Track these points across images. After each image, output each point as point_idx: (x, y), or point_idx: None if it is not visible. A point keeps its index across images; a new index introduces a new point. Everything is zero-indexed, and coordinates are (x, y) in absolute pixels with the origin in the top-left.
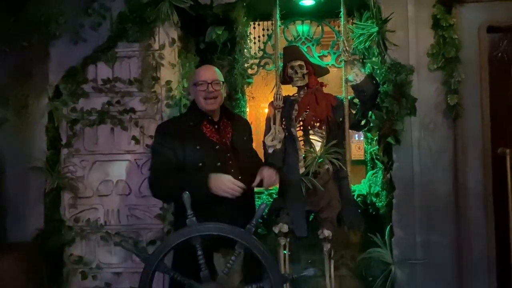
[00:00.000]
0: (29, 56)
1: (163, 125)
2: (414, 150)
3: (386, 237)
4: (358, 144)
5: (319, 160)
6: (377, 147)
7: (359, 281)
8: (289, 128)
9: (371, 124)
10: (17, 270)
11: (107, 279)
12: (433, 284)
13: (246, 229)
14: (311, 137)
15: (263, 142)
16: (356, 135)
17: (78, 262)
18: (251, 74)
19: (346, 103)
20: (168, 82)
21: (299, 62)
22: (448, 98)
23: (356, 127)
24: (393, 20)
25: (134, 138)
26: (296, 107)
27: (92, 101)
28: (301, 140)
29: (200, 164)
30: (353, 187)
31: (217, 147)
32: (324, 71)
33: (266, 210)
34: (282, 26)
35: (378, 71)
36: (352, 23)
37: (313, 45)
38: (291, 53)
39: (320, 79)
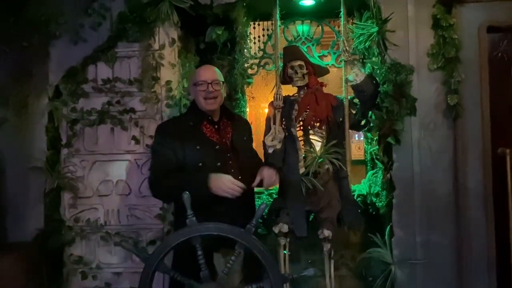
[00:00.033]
0: (29, 56)
1: (163, 125)
2: (414, 150)
3: (386, 237)
4: (358, 144)
5: (319, 160)
6: (377, 147)
7: (359, 281)
8: (289, 128)
9: (371, 124)
10: (17, 270)
11: (107, 279)
12: (433, 284)
13: (246, 229)
14: (311, 137)
15: (263, 142)
16: (356, 135)
17: (78, 262)
18: (251, 74)
19: (346, 103)
20: (168, 82)
21: (299, 62)
22: (448, 98)
23: (356, 127)
24: (393, 20)
25: (134, 138)
26: (296, 107)
27: (92, 101)
28: (301, 140)
29: (200, 164)
30: (353, 187)
31: (217, 147)
32: (324, 71)
33: (266, 210)
34: (282, 26)
35: (378, 71)
36: (352, 23)
37: (313, 45)
38: (291, 53)
39: (320, 79)
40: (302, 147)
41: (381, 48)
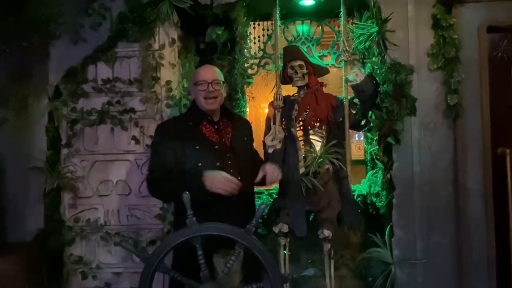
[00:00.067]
0: (29, 56)
1: (163, 125)
2: (414, 150)
3: (386, 237)
4: (358, 144)
5: (319, 160)
6: (377, 147)
7: (359, 281)
8: (289, 128)
9: (371, 124)
10: (17, 270)
11: (107, 279)
12: (433, 284)
13: (246, 229)
14: (311, 137)
15: (263, 142)
16: (356, 135)
17: (78, 262)
18: (251, 74)
19: (346, 103)
20: (168, 82)
21: (299, 62)
22: (448, 98)
23: (356, 127)
24: (393, 20)
25: (134, 138)
26: (296, 107)
27: (92, 101)
28: (301, 140)
29: (199, 164)
30: (353, 187)
31: (216, 147)
32: (324, 71)
33: (266, 210)
34: (282, 26)
35: (378, 71)
36: (352, 23)
37: (313, 45)
38: (291, 53)
39: (320, 79)
40: (302, 147)
41: (381, 48)
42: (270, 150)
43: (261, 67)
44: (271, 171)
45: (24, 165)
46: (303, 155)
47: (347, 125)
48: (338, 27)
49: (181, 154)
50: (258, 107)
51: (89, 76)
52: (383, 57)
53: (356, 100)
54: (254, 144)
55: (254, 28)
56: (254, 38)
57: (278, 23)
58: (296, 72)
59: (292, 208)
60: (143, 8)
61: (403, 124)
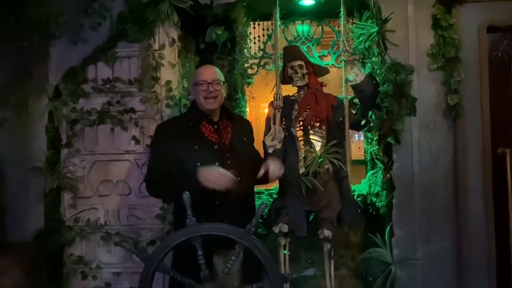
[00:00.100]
0: (29, 56)
1: (162, 125)
2: (414, 150)
3: (386, 237)
4: (358, 144)
5: (319, 160)
6: (377, 147)
7: (359, 281)
8: (289, 128)
9: (371, 124)
10: (17, 270)
11: (107, 279)
12: (433, 284)
13: (246, 229)
14: (311, 137)
15: (263, 142)
16: (356, 135)
17: (78, 262)
18: (251, 74)
19: (346, 103)
20: (168, 82)
21: (299, 62)
22: (448, 98)
23: (356, 127)
24: (393, 20)
25: (134, 138)
26: (296, 107)
27: (92, 101)
28: (301, 140)
29: (198, 164)
30: (353, 187)
31: (215, 147)
32: (324, 71)
33: (266, 210)
34: (282, 26)
35: (378, 71)
36: (352, 23)
37: (313, 45)
38: (291, 53)
39: (320, 79)
40: (302, 147)
41: (381, 48)
42: (270, 150)
43: (261, 67)
44: (274, 166)
45: (24, 165)
46: (303, 155)
47: (347, 125)
48: (338, 27)
49: (180, 154)
50: (258, 107)
51: (89, 76)
52: (383, 57)
53: (356, 100)
54: (254, 144)
55: (254, 28)
56: (254, 38)
57: (278, 23)
58: (296, 72)
59: (292, 208)
60: (143, 8)
61: (403, 124)
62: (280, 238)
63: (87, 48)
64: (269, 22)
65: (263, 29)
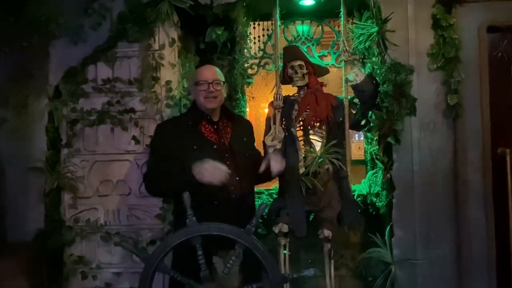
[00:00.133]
0: (29, 56)
1: (162, 125)
2: (414, 150)
3: (386, 237)
4: (358, 144)
5: (319, 160)
6: (377, 147)
7: (359, 281)
8: (289, 128)
9: (371, 124)
10: (17, 270)
11: (107, 279)
12: (433, 284)
13: (246, 229)
14: (311, 137)
15: (263, 142)
16: (356, 135)
17: (78, 262)
18: (251, 74)
19: (346, 103)
20: (168, 82)
21: (299, 62)
22: (448, 98)
23: (356, 127)
24: (393, 20)
25: (134, 138)
26: (296, 107)
27: (92, 101)
28: (301, 140)
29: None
30: (353, 187)
31: (214, 146)
32: (324, 71)
33: (266, 210)
34: (282, 26)
35: (378, 71)
36: (352, 23)
37: (313, 45)
38: (291, 53)
39: (320, 79)
40: (302, 147)
41: (381, 48)
42: (270, 150)
43: (261, 67)
44: (275, 160)
45: (24, 165)
46: (303, 155)
47: (347, 125)
48: (338, 27)
49: (179, 154)
50: (258, 107)
51: (89, 76)
52: (383, 57)
53: (356, 100)
54: (255, 144)
55: (254, 28)
56: (254, 38)
57: (278, 23)
58: (296, 72)
59: (292, 208)
60: (143, 8)
61: (403, 124)
62: (280, 238)
63: (87, 48)
64: (269, 22)
65: (263, 29)
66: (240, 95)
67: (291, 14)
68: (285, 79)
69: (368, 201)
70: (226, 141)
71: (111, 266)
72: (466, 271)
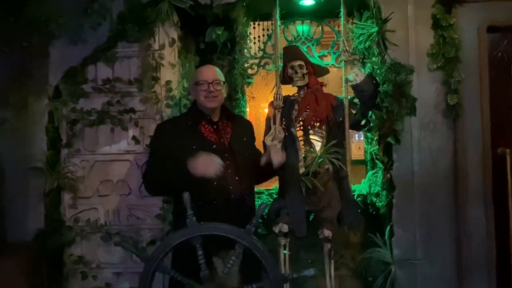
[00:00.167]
0: (29, 56)
1: (162, 125)
2: (414, 150)
3: (386, 237)
4: (358, 144)
5: (319, 160)
6: (377, 147)
7: (359, 281)
8: (289, 128)
9: (371, 124)
10: (17, 270)
11: (107, 279)
12: (433, 284)
13: (246, 229)
14: (311, 137)
15: (263, 142)
16: (356, 135)
17: (78, 262)
18: (251, 74)
19: (346, 103)
20: (168, 82)
21: (299, 62)
22: (448, 98)
23: (356, 127)
24: (393, 20)
25: (134, 138)
26: (296, 107)
27: (92, 101)
28: (301, 140)
29: None
30: (353, 187)
31: (214, 146)
32: (324, 71)
33: (266, 210)
34: (282, 26)
35: (378, 71)
36: (352, 23)
37: (313, 45)
38: (291, 53)
39: (320, 79)
40: (302, 147)
41: (381, 48)
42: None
43: (261, 67)
44: (275, 152)
45: (24, 165)
46: (303, 155)
47: (347, 125)
48: (338, 27)
49: (179, 154)
50: (258, 107)
51: (89, 76)
52: (383, 57)
53: (356, 100)
54: (255, 144)
55: (254, 28)
56: (254, 38)
57: (278, 23)
58: (296, 72)
59: (292, 208)
60: (143, 8)
61: (403, 124)
62: (280, 238)
63: (87, 48)
64: (269, 22)
65: (263, 29)
66: (240, 95)
67: (291, 14)
68: (285, 79)
69: (368, 201)
70: (226, 141)
71: (111, 266)
72: (466, 271)
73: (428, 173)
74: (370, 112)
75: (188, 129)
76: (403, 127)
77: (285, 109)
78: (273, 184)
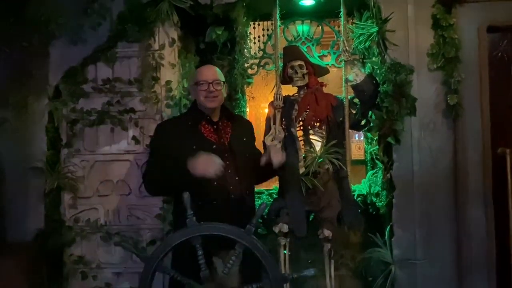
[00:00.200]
0: (29, 56)
1: (162, 125)
2: (414, 150)
3: (386, 237)
4: (358, 144)
5: (319, 160)
6: (377, 147)
7: (359, 281)
8: (289, 128)
9: (371, 124)
10: (17, 270)
11: (107, 279)
12: (433, 284)
13: (246, 229)
14: (311, 137)
15: (263, 142)
16: (356, 135)
17: (78, 262)
18: (251, 74)
19: (346, 103)
20: (168, 82)
21: (299, 62)
22: (448, 98)
23: (356, 127)
24: (393, 20)
25: (134, 138)
26: (296, 107)
27: (92, 101)
28: (301, 140)
29: None
30: (353, 187)
31: (214, 146)
32: (324, 71)
33: (266, 210)
34: (282, 26)
35: (378, 71)
36: (352, 23)
37: (313, 45)
38: (291, 53)
39: (320, 79)
40: (302, 147)
41: (381, 48)
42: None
43: (261, 67)
44: (274, 152)
45: (24, 165)
46: (303, 155)
47: (347, 125)
48: (338, 27)
49: (179, 154)
50: (258, 107)
51: (89, 76)
52: (383, 57)
53: (356, 100)
54: (255, 144)
55: (254, 28)
56: (254, 38)
57: (278, 23)
58: (296, 72)
59: (292, 208)
60: (143, 8)
61: (403, 124)
62: (280, 238)
63: (87, 48)
64: (269, 22)
65: (263, 29)
66: (240, 95)
67: (291, 14)
68: (285, 79)
69: (368, 201)
70: (226, 141)
71: (111, 266)
72: (466, 271)
73: (428, 173)
74: (370, 112)
75: (188, 129)
76: (403, 127)
77: (285, 109)
78: (273, 184)
